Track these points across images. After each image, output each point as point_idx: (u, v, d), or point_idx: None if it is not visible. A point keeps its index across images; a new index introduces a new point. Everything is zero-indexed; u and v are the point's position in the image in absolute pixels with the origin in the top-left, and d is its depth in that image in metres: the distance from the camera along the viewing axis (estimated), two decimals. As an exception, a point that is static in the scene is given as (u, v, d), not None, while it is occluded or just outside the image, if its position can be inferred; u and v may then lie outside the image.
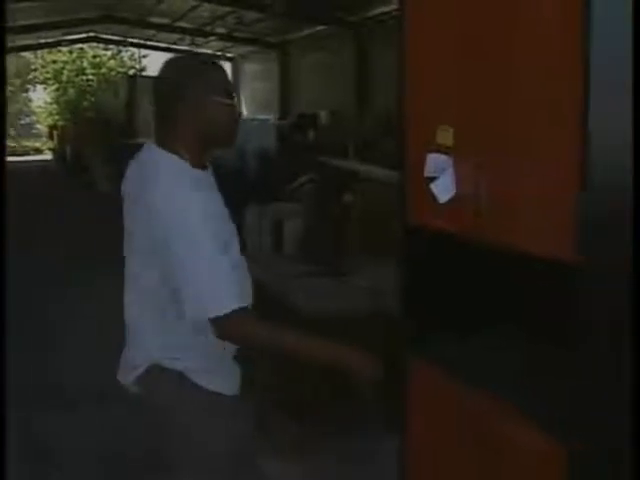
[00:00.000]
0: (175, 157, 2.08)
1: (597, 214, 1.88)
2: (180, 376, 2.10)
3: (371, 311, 4.14)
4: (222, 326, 1.98)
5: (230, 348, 2.21)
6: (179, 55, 2.36)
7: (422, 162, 2.39)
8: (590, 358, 1.95)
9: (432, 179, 2.34)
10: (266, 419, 3.95)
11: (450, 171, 2.30)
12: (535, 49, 2.00)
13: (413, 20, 2.54)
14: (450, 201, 2.31)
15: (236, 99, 2.18)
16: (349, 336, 3.94)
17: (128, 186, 2.21)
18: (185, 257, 1.97)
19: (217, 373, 2.16)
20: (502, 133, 2.14)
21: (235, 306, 1.96)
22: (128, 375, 2.20)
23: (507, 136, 2.12)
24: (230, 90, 2.15)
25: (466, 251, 2.38)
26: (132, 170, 2.22)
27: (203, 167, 2.17)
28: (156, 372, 2.12)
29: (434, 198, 2.34)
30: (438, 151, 2.34)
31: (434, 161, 2.34)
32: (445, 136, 2.33)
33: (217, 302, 1.96)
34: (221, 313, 1.95)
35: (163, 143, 2.12)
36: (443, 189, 2.30)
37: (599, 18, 1.80)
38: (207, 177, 2.20)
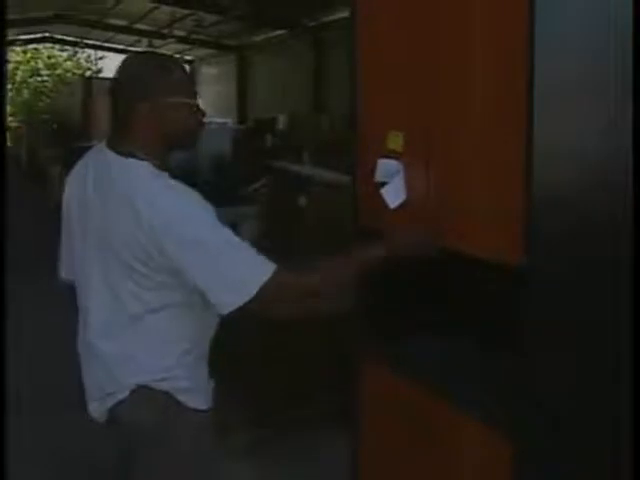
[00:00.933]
0: (144, 162, 1.98)
1: (545, 219, 1.93)
2: (167, 396, 2.04)
3: (324, 312, 4.14)
4: (271, 292, 1.90)
5: (206, 361, 2.17)
6: (139, 53, 2.24)
7: (373, 167, 2.42)
8: (537, 357, 2.00)
9: (383, 184, 2.37)
10: (223, 422, 3.94)
11: (400, 176, 2.32)
12: (484, 55, 2.04)
13: (365, 25, 2.57)
14: (401, 206, 2.34)
15: (199, 99, 2.11)
16: (302, 338, 4.01)
17: (84, 191, 2.08)
18: (205, 252, 1.89)
19: (197, 390, 2.11)
20: (451, 138, 2.17)
21: (272, 267, 1.91)
22: (102, 404, 2.10)
23: (456, 141, 2.16)
24: (193, 90, 2.09)
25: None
26: (83, 175, 2.11)
27: (162, 169, 2.05)
28: (140, 395, 2.03)
29: (385, 202, 2.36)
30: (388, 156, 2.37)
31: (384, 166, 2.37)
32: (395, 141, 2.35)
33: (255, 275, 1.89)
34: (263, 281, 1.89)
35: (117, 144, 2.02)
36: (393, 194, 2.33)
37: (544, 18, 1.85)
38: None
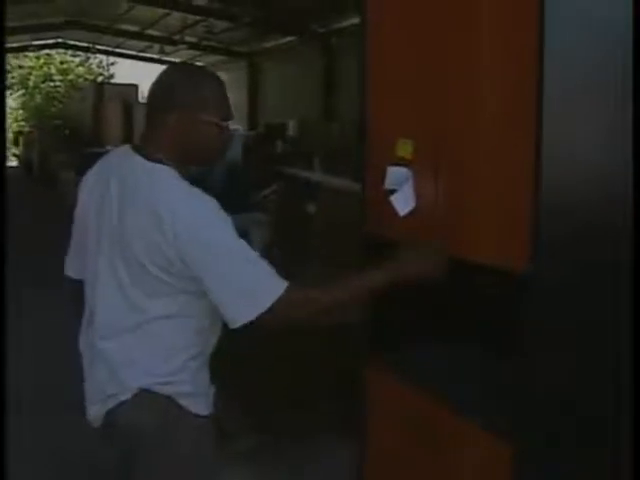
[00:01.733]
0: (170, 169, 2.00)
1: (552, 227, 1.94)
2: (168, 400, 2.05)
3: (333, 319, 4.15)
4: (283, 308, 1.92)
5: (207, 367, 2.18)
6: (179, 63, 2.26)
7: (382, 174, 2.43)
8: (539, 363, 2.01)
9: (392, 192, 2.38)
10: (224, 428, 3.96)
11: (410, 184, 2.33)
12: (492, 64, 2.06)
13: (375, 33, 2.58)
14: (410, 213, 2.36)
15: (230, 121, 2.11)
16: (310, 345, 4.01)
17: (107, 190, 2.07)
18: (223, 264, 1.91)
19: (199, 395, 2.12)
20: (460, 146, 2.19)
21: (285, 284, 1.93)
22: (102, 407, 2.10)
23: (465, 148, 2.17)
24: (224, 109, 2.08)
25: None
26: (106, 174, 2.11)
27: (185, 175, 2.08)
28: (142, 398, 2.04)
29: (394, 209, 2.38)
30: (398, 164, 2.38)
31: (394, 174, 2.38)
32: (405, 149, 2.36)
33: (269, 290, 1.91)
34: (277, 296, 1.91)
35: (145, 150, 2.04)
36: (403, 202, 2.34)
37: (554, 25, 1.87)
38: None
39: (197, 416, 2.10)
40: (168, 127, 2.02)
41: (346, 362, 3.06)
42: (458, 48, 2.18)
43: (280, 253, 5.15)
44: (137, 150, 2.06)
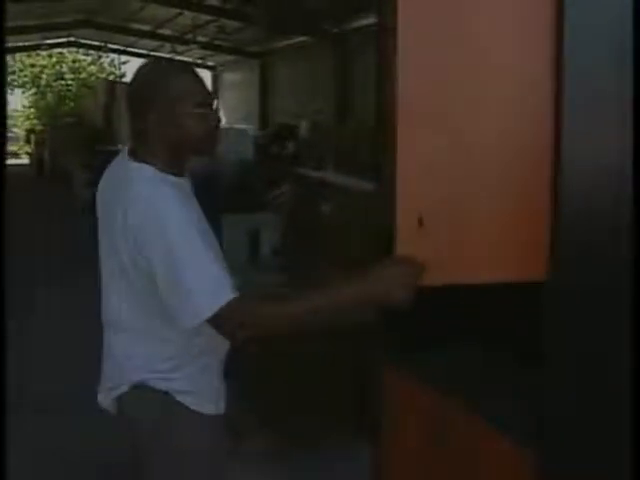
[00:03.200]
0: (146, 166, 2.01)
1: (571, 234, 1.91)
2: (165, 395, 2.07)
3: (348, 322, 4.13)
4: (227, 318, 1.87)
5: (216, 368, 2.20)
6: (151, 60, 2.24)
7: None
8: (559, 372, 1.98)
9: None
10: (237, 428, 3.94)
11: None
12: (506, 70, 2.02)
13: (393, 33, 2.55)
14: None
15: (214, 107, 2.09)
16: (325, 346, 3.99)
17: (103, 196, 2.17)
18: (170, 265, 1.89)
19: (201, 394, 2.13)
20: (474, 152, 2.15)
21: (232, 295, 1.87)
22: (107, 395, 2.18)
23: (480, 155, 2.13)
24: (206, 98, 2.06)
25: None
26: (105, 180, 2.19)
27: (179, 174, 2.10)
28: (140, 391, 2.08)
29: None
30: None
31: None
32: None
33: (212, 297, 1.86)
34: (221, 304, 1.85)
35: (135, 151, 2.07)
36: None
37: (573, 29, 1.84)
38: (184, 184, 2.14)
39: (197, 414, 2.12)
40: (150, 125, 2.01)
41: (363, 363, 3.03)
42: (473, 49, 2.14)
43: (292, 253, 5.13)
44: (130, 153, 2.09)
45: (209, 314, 1.86)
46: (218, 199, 7.00)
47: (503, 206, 2.02)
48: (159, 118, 2.00)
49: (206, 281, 1.88)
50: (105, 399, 2.20)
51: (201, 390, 2.14)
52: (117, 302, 2.11)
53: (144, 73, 2.09)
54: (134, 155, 2.06)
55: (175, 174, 2.06)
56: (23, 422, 4.40)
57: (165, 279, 1.91)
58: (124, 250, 1.97)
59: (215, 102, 2.13)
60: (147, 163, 2.02)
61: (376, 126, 2.64)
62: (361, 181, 6.04)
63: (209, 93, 2.08)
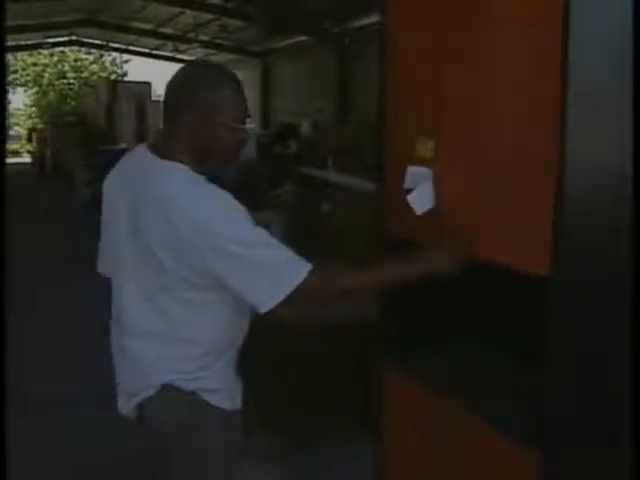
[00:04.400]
0: (180, 165, 2.00)
1: (574, 227, 1.91)
2: (193, 395, 2.07)
3: (349, 319, 4.14)
4: (308, 289, 1.92)
5: (235, 362, 2.20)
6: (196, 63, 2.20)
7: (401, 173, 2.41)
8: (559, 371, 1.98)
9: (411, 191, 2.35)
10: (247, 427, 3.94)
11: (429, 183, 2.31)
12: (514, 57, 2.03)
13: (394, 32, 2.55)
14: (430, 213, 2.33)
15: (246, 122, 2.10)
16: (327, 344, 3.99)
17: (121, 191, 2.10)
18: (241, 254, 1.90)
19: (225, 391, 2.14)
20: (481, 145, 2.16)
21: (308, 265, 1.93)
22: (128, 402, 2.14)
23: (486, 148, 2.14)
24: (243, 114, 2.08)
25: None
26: (123, 175, 2.14)
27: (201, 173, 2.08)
28: (167, 393, 2.06)
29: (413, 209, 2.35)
30: (418, 163, 2.35)
31: (414, 174, 2.36)
32: (425, 149, 2.34)
33: (293, 272, 1.91)
34: (302, 277, 1.91)
35: (161, 149, 2.05)
36: (421, 201, 2.31)
37: (579, 22, 1.84)
38: None
39: (223, 411, 2.12)
40: (184, 126, 2.02)
41: (363, 361, 3.03)
42: (479, 45, 2.15)
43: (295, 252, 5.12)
44: (153, 149, 2.07)
45: (295, 284, 1.91)
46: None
47: (511, 198, 2.05)
48: (195, 122, 2.01)
49: (283, 257, 1.93)
50: (126, 405, 2.15)
51: (226, 387, 2.14)
52: (141, 305, 2.06)
53: (186, 74, 2.07)
54: (159, 153, 2.04)
55: (196, 170, 2.05)
56: (23, 422, 4.41)
57: (239, 270, 1.91)
58: (169, 250, 1.94)
59: (249, 119, 2.14)
60: (172, 159, 2.01)
61: (378, 128, 2.65)
62: (362, 180, 6.04)
63: (247, 109, 2.10)
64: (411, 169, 2.36)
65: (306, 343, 4.00)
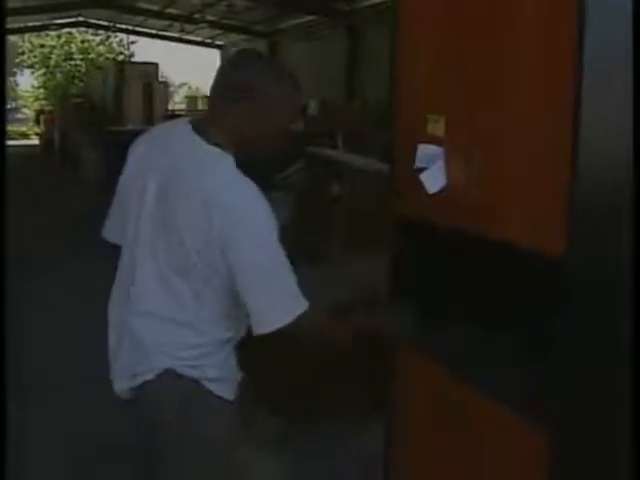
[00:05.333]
0: (228, 156, 1.99)
1: (589, 207, 1.88)
2: (194, 382, 2.06)
3: (358, 302, 4.13)
4: (303, 323, 1.98)
5: (235, 354, 2.19)
6: (261, 54, 2.21)
7: (412, 153, 2.38)
8: (574, 348, 1.96)
9: (422, 170, 2.33)
10: (248, 410, 3.94)
11: (440, 162, 2.28)
12: (528, 37, 1.99)
13: (406, 9, 2.52)
14: (440, 192, 2.30)
15: (297, 123, 2.14)
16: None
17: (154, 163, 2.07)
18: (262, 268, 1.93)
19: (226, 380, 2.13)
20: (493, 122, 2.13)
21: (306, 305, 1.98)
22: (128, 382, 2.11)
23: (498, 125, 2.11)
24: (298, 112, 2.12)
25: (455, 242, 2.38)
26: (159, 147, 2.10)
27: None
28: (167, 378, 2.04)
29: (424, 189, 2.32)
30: (429, 142, 2.32)
31: (424, 152, 2.33)
32: (436, 127, 2.31)
33: (299, 303, 1.97)
34: (304, 309, 1.97)
35: (204, 130, 2.03)
36: (433, 180, 2.29)
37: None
38: None
39: (223, 400, 2.10)
40: (238, 116, 2.01)
41: (375, 342, 3.01)
42: (493, 23, 2.11)
43: (300, 233, 5.11)
44: (196, 130, 2.04)
45: (292, 318, 1.95)
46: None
47: (524, 177, 2.03)
48: (251, 114, 2.01)
49: (294, 286, 1.97)
50: (121, 386, 2.14)
51: (227, 376, 2.13)
52: (153, 287, 2.04)
53: (255, 66, 2.06)
54: (202, 134, 2.02)
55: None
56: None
57: (253, 283, 1.95)
58: (197, 237, 1.93)
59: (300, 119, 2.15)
60: (220, 148, 1.99)
61: (382, 112, 2.62)
62: (372, 160, 6.01)
63: (302, 109, 2.09)
64: (422, 147, 2.34)
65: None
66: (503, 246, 2.12)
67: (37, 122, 31.54)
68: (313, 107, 18.48)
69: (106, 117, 18.70)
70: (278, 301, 1.96)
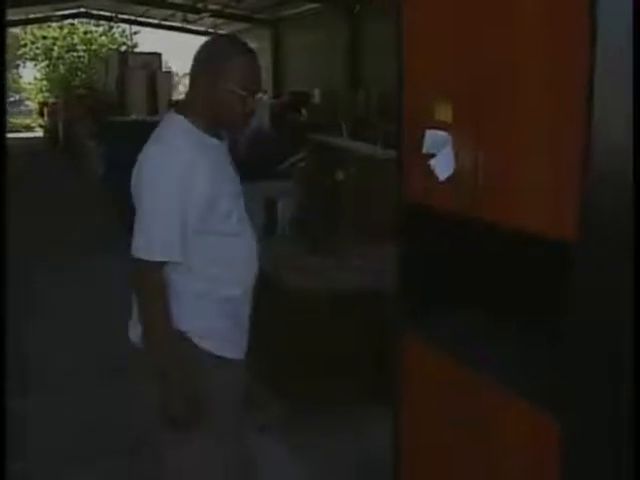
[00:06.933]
0: (180, 117, 2.23)
1: (600, 194, 1.85)
2: (181, 335, 2.20)
3: (364, 289, 4.12)
4: (137, 268, 2.13)
5: (240, 313, 2.34)
6: (222, 35, 2.49)
7: (420, 139, 2.35)
8: (586, 337, 1.93)
9: (431, 156, 2.30)
10: (254, 395, 3.94)
11: (449, 148, 2.26)
12: (538, 19, 1.95)
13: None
14: (448, 178, 2.28)
15: (256, 92, 2.26)
16: (343, 314, 3.97)
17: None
18: (143, 201, 2.14)
19: (222, 338, 2.28)
20: (502, 108, 2.10)
21: (165, 258, 2.12)
22: (134, 331, 2.29)
23: (507, 111, 2.08)
24: (253, 86, 2.24)
25: (463, 228, 2.36)
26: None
27: (216, 135, 2.29)
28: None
29: (432, 175, 2.30)
30: (437, 128, 2.30)
31: (433, 138, 2.30)
32: (444, 112, 2.28)
33: (143, 245, 2.12)
34: (137, 256, 2.12)
35: (184, 111, 2.26)
36: (443, 166, 2.26)
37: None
38: (218, 146, 2.30)
39: (213, 356, 2.25)
40: (199, 92, 2.24)
41: (381, 329, 3.00)
42: (501, 6, 2.08)
43: (307, 221, 5.09)
44: (177, 107, 2.32)
45: (142, 256, 2.12)
46: (235, 168, 6.95)
47: (535, 162, 2.00)
48: (207, 85, 2.21)
49: (158, 232, 2.12)
50: (133, 334, 2.30)
51: (220, 333, 2.27)
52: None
53: (214, 44, 2.30)
54: (182, 113, 2.25)
55: (209, 133, 2.26)
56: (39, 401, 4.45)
57: (139, 211, 2.16)
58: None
59: (260, 93, 2.35)
60: (187, 117, 2.23)
61: (386, 100, 2.59)
62: (375, 147, 5.98)
63: (258, 81, 2.28)
64: (430, 133, 2.31)
65: (324, 312, 3.98)
66: (513, 232, 2.09)
67: (41, 114, 31.54)
68: (317, 96, 18.41)
69: (110, 108, 18.64)
70: (141, 235, 2.13)
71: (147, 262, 2.11)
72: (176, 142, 2.16)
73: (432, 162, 2.28)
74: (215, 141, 2.28)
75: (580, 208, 1.85)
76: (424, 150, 2.32)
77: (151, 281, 2.13)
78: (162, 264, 2.13)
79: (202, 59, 2.24)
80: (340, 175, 5.40)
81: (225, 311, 2.28)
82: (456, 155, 2.26)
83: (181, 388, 2.15)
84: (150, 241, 2.12)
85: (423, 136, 2.34)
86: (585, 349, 1.94)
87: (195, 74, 2.25)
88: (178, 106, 2.32)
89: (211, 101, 2.21)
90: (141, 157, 2.18)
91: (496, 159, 2.13)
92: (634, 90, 1.82)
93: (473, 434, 2.35)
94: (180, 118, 2.23)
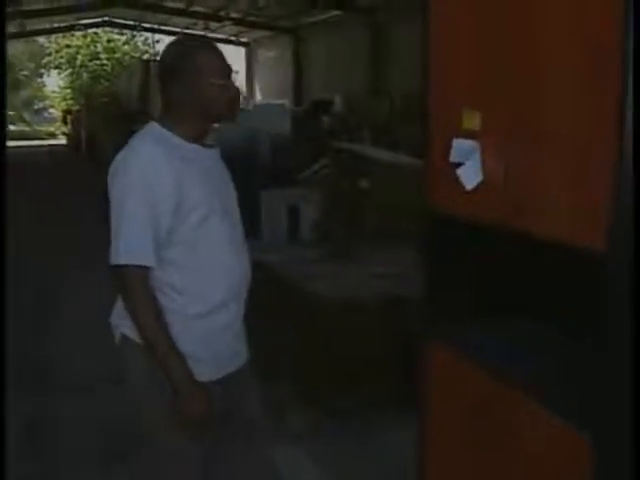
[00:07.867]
0: (155, 124, 2.26)
1: (632, 202, 1.82)
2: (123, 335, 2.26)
3: (386, 296, 4.10)
4: (118, 275, 2.13)
5: (212, 331, 2.27)
6: (175, 39, 2.45)
7: (446, 148, 2.33)
8: (615, 348, 1.89)
9: (458, 165, 2.28)
10: (281, 404, 3.93)
11: (477, 157, 2.23)
12: (568, 28, 1.92)
13: (437, 1, 2.47)
14: (476, 187, 2.25)
15: (232, 77, 2.29)
16: (364, 320, 3.95)
17: None
18: (116, 207, 2.15)
19: (190, 358, 2.17)
20: (532, 114, 2.07)
21: (144, 262, 2.12)
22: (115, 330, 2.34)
23: (537, 117, 2.05)
24: (224, 71, 2.26)
25: (490, 237, 2.33)
26: None
27: (200, 142, 2.29)
28: (126, 343, 2.26)
29: (459, 183, 2.28)
30: (464, 136, 2.27)
31: (460, 147, 2.28)
32: (472, 120, 2.26)
33: (121, 252, 2.11)
34: (118, 262, 2.12)
35: (162, 119, 2.27)
36: (470, 175, 2.24)
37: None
38: (200, 151, 2.28)
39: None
40: (175, 97, 2.24)
41: (406, 337, 2.98)
42: (528, 11, 2.05)
43: (330, 228, 5.09)
44: (158, 119, 2.31)
45: (113, 263, 2.13)
46: (258, 176, 6.97)
47: (564, 171, 1.97)
48: (183, 88, 2.22)
49: (134, 238, 2.12)
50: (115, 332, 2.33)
51: (189, 356, 2.17)
52: None
53: (171, 49, 2.32)
54: (160, 121, 2.28)
55: (196, 141, 2.27)
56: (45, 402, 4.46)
57: (113, 219, 2.17)
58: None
59: (234, 75, 2.33)
60: (167, 128, 2.24)
61: (416, 104, 2.58)
62: (398, 155, 5.96)
63: (228, 66, 2.29)
64: (457, 142, 2.28)
65: (349, 320, 3.97)
66: (541, 242, 2.06)
67: (64, 122, 31.84)
68: (338, 103, 18.42)
69: (132, 116, 18.75)
70: (120, 242, 2.12)
71: (127, 266, 2.11)
72: (143, 149, 2.18)
73: (459, 171, 2.26)
74: (196, 147, 2.26)
75: (611, 216, 1.82)
76: (451, 159, 2.29)
77: (134, 283, 2.13)
78: (141, 268, 2.12)
79: (168, 66, 2.25)
80: (364, 183, 5.40)
81: (194, 330, 2.22)
82: (484, 163, 2.23)
83: (187, 378, 2.13)
84: (127, 245, 2.12)
85: (450, 144, 2.32)
86: (617, 361, 1.90)
87: (165, 82, 2.26)
88: (158, 116, 2.34)
89: (194, 100, 2.21)
90: (111, 166, 2.22)
91: (525, 167, 2.11)
92: (634, 89, 1.79)
93: (499, 445, 2.32)
94: (155, 125, 2.25)
